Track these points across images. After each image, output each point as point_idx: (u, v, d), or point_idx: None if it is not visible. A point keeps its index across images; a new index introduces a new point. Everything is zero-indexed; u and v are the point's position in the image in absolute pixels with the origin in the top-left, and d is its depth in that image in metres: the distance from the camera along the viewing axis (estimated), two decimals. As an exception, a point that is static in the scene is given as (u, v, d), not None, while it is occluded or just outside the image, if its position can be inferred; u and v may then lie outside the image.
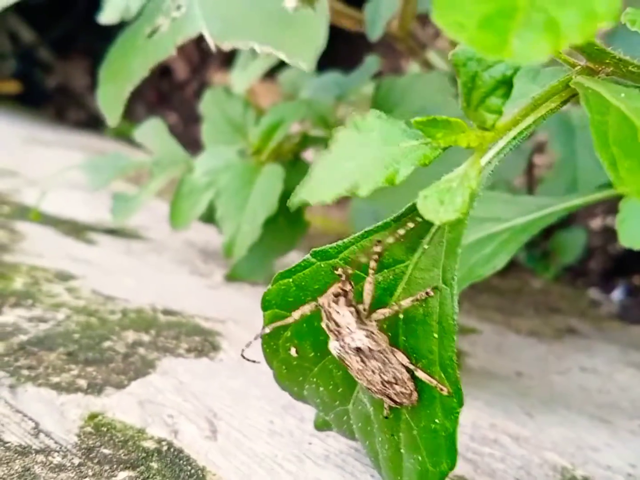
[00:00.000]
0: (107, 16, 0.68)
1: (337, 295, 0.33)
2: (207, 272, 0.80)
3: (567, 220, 1.11)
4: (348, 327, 0.33)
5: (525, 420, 0.54)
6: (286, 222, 0.69)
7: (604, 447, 0.51)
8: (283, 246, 0.69)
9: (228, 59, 1.53)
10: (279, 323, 0.36)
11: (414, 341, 0.33)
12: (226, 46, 0.48)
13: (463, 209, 0.25)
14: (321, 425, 0.42)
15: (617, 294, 0.99)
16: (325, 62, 1.04)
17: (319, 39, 0.43)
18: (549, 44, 0.16)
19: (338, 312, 0.33)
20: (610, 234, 1.08)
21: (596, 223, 1.12)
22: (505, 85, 0.26)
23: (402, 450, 0.34)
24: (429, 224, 0.31)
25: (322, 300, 0.33)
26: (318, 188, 0.29)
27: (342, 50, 1.38)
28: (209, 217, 0.76)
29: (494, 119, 0.27)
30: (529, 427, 0.53)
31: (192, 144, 0.80)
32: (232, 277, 0.76)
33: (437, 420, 0.31)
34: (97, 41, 0.61)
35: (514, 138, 0.29)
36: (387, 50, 1.47)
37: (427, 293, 0.31)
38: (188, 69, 1.90)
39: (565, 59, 0.31)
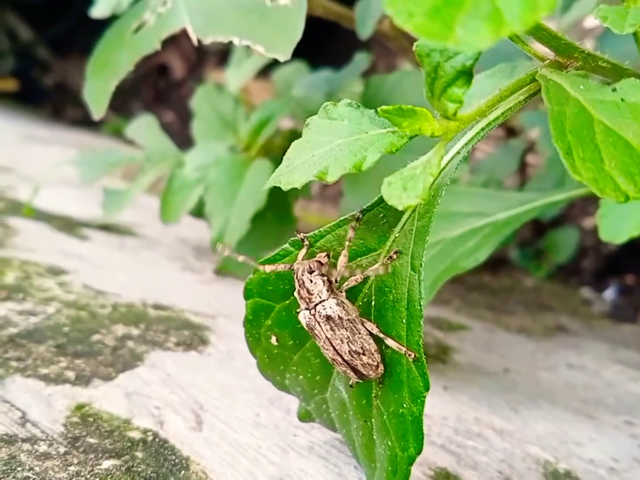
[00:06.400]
0: (99, 10, 0.69)
1: (312, 267, 0.33)
2: (199, 268, 0.81)
3: (560, 220, 1.12)
4: (319, 295, 0.34)
5: (510, 414, 0.54)
6: (274, 217, 0.70)
7: (588, 441, 0.52)
8: (271, 241, 0.70)
9: (224, 57, 1.53)
10: (252, 264, 0.36)
11: (385, 327, 0.34)
12: (208, 40, 0.49)
13: (424, 194, 0.26)
14: (304, 416, 0.43)
15: (610, 293, 0.99)
16: (323, 62, 1.05)
17: (296, 32, 0.43)
18: (491, 32, 0.17)
19: (311, 280, 0.33)
20: (602, 233, 1.08)
21: (589, 222, 1.12)
22: (465, 75, 0.27)
23: (374, 437, 0.35)
24: (400, 214, 0.32)
25: (296, 265, 0.34)
26: (289, 174, 0.30)
27: (339, 50, 1.39)
28: (200, 211, 0.77)
29: (455, 108, 0.28)
30: (514, 421, 0.53)
31: (188, 142, 0.81)
32: (222, 270, 0.76)
33: (404, 405, 0.32)
34: (95, 40, 0.62)
35: (483, 129, 0.30)
36: (383, 50, 1.47)
37: (390, 257, 0.32)
38: (185, 67, 1.91)
39: (535, 53, 0.32)
